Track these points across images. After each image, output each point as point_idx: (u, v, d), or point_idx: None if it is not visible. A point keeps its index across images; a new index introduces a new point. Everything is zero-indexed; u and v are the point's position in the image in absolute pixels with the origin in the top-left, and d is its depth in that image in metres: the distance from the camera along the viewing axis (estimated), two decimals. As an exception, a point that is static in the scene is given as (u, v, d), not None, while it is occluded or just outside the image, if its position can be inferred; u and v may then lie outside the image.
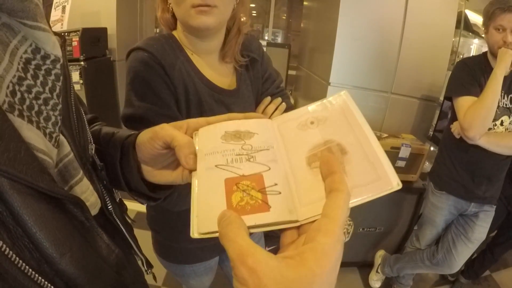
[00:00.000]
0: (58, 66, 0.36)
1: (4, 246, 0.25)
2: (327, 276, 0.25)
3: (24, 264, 0.26)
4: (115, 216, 0.46)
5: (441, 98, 2.15)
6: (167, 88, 0.73)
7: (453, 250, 1.63)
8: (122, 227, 0.47)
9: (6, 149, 0.26)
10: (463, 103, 1.40)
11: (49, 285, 0.28)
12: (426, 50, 1.93)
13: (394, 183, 0.33)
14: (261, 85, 0.93)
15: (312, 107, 0.42)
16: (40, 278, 0.27)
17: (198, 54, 0.81)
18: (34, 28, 0.32)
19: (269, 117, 0.91)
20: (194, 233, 0.32)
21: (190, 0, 0.68)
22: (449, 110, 2.19)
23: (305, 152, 0.37)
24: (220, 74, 0.85)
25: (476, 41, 3.29)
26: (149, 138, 0.43)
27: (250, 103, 0.90)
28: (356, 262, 2.16)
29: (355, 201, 0.32)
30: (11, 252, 0.25)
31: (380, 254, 2.09)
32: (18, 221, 0.27)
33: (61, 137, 0.36)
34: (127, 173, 0.48)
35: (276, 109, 0.92)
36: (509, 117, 1.42)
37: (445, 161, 1.61)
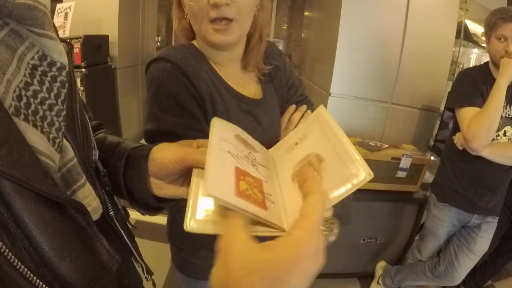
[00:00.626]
0: (63, 73, 0.37)
1: (4, 247, 0.25)
2: (292, 264, 0.27)
3: (23, 266, 0.27)
4: (116, 222, 0.46)
5: (442, 108, 2.16)
6: (194, 99, 0.69)
7: (455, 262, 1.61)
8: (123, 233, 0.48)
9: (10, 151, 0.27)
10: (466, 114, 1.38)
11: None
12: (426, 60, 1.94)
13: (366, 174, 0.35)
14: (286, 92, 0.90)
15: (296, 129, 0.49)
16: (38, 281, 0.28)
17: (220, 64, 0.77)
18: (42, 36, 0.33)
19: (295, 125, 0.88)
20: (190, 223, 0.35)
21: (207, 13, 0.65)
22: (449, 120, 2.19)
23: (291, 170, 0.42)
24: (244, 84, 0.81)
25: (476, 50, 3.30)
26: (174, 162, 0.43)
27: (276, 111, 0.87)
28: (356, 273, 2.13)
29: (335, 196, 0.36)
30: (10, 254, 0.26)
31: (381, 266, 2.07)
32: (19, 224, 0.27)
33: (65, 142, 0.36)
34: (132, 184, 0.48)
35: (302, 116, 0.88)
36: None
37: (448, 173, 1.58)
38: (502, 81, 1.30)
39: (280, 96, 0.89)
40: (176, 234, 0.96)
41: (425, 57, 1.92)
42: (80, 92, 2.36)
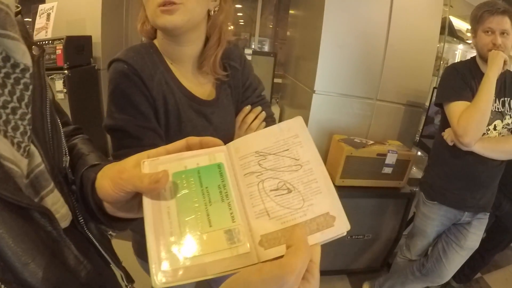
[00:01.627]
0: (27, 75, 0.36)
1: None
2: None
3: None
4: (86, 230, 0.45)
5: (427, 104, 2.17)
6: (146, 100, 0.73)
7: (443, 258, 1.59)
8: (95, 240, 0.46)
9: None
10: (456, 108, 1.35)
11: None
12: (411, 56, 1.94)
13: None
14: (242, 93, 0.92)
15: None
16: (3, 286, 0.27)
17: (177, 63, 0.80)
18: (3, 37, 0.33)
19: (249, 126, 0.90)
20: (158, 278, 0.31)
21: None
22: (435, 115, 2.21)
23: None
24: (199, 84, 0.84)
25: (461, 46, 3.33)
26: (115, 189, 0.39)
27: (230, 112, 0.89)
28: (345, 269, 2.14)
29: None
30: None
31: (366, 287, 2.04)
32: None
33: (32, 147, 0.35)
34: (88, 204, 0.45)
35: (255, 118, 0.92)
36: (502, 121, 1.39)
37: (437, 170, 1.56)
38: (492, 73, 1.28)
39: (236, 97, 0.92)
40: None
41: (409, 53, 1.93)
42: (63, 93, 2.31)
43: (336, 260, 2.05)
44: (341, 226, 0.34)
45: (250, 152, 0.40)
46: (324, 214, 0.35)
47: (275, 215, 0.35)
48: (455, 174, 1.48)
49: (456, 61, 3.01)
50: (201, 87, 0.84)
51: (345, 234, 0.34)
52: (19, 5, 0.40)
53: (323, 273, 2.06)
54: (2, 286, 0.27)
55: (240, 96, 0.92)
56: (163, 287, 0.31)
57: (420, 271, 1.68)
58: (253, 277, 0.30)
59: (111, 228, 0.49)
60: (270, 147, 0.40)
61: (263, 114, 0.93)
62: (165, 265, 0.32)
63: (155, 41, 0.81)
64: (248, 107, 0.92)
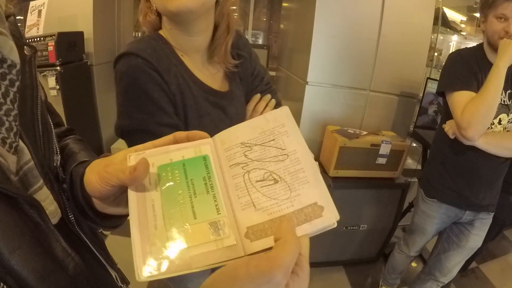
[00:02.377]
0: (14, 71, 0.36)
1: None
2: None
3: None
4: (77, 228, 0.44)
5: (421, 94, 2.17)
6: (165, 95, 0.69)
7: (443, 258, 1.55)
8: (86, 239, 0.45)
9: None
10: (460, 98, 1.23)
11: (0, 283, 0.28)
12: (404, 47, 1.94)
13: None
14: (251, 82, 0.91)
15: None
16: None
17: (187, 54, 0.77)
18: None
19: (260, 114, 0.90)
20: (142, 271, 0.31)
21: None
22: (428, 106, 2.21)
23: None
24: (211, 75, 0.82)
25: (455, 38, 3.33)
26: (102, 183, 0.39)
27: (242, 102, 0.88)
28: (341, 261, 2.15)
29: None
30: None
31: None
32: None
33: (21, 144, 0.36)
34: (78, 201, 0.45)
35: (266, 105, 0.90)
36: (508, 115, 1.28)
37: (437, 166, 1.47)
38: (502, 63, 1.17)
39: (246, 86, 0.90)
40: None
41: (402, 44, 1.92)
42: (56, 90, 2.29)
43: (332, 251, 2.06)
44: (330, 216, 0.33)
45: (235, 144, 0.40)
46: (312, 204, 0.34)
47: (261, 206, 0.35)
48: (455, 170, 1.40)
49: (450, 52, 3.02)
50: (213, 78, 0.82)
51: (335, 225, 0.33)
52: (11, 6, 0.41)
53: (319, 264, 2.08)
54: None
55: (250, 85, 0.91)
56: (147, 281, 0.30)
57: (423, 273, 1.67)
58: (240, 271, 0.29)
59: (101, 226, 0.49)
60: (255, 138, 0.40)
61: (273, 101, 0.91)
62: (149, 258, 0.31)
63: (161, 32, 0.76)
64: (258, 95, 0.90)
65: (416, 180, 2.12)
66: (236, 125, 0.42)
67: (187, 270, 0.31)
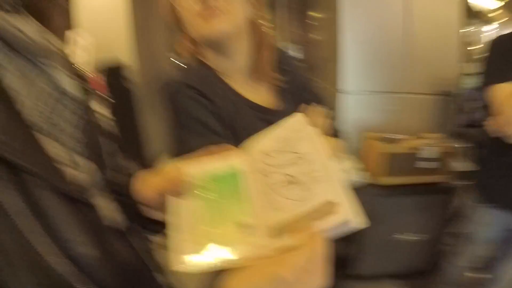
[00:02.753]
0: (76, 104, 0.45)
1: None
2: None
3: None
4: (127, 235, 0.49)
5: (458, 91, 2.07)
6: (218, 120, 0.70)
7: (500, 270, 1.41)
8: (137, 249, 0.50)
9: (36, 161, 0.36)
10: (499, 92, 1.11)
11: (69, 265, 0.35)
12: (434, 45, 1.90)
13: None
14: (301, 96, 0.89)
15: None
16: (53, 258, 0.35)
17: (231, 76, 0.78)
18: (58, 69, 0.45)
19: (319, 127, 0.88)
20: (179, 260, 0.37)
21: (193, 7, 0.66)
22: (468, 102, 2.11)
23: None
24: (258, 93, 0.81)
25: (486, 28, 3.19)
26: (144, 192, 0.48)
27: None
28: (392, 274, 2.02)
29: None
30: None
31: None
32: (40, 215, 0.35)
33: (85, 161, 0.44)
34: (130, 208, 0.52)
35: (320, 117, 0.89)
36: None
37: (492, 168, 1.32)
38: None
39: (297, 100, 0.86)
40: None
41: (431, 42, 1.88)
42: (110, 120, 2.46)
43: (384, 263, 1.96)
44: (345, 213, 0.33)
45: (257, 152, 0.46)
46: (327, 202, 0.35)
47: (278, 207, 0.38)
48: (507, 172, 1.25)
49: (481, 44, 2.89)
50: (261, 95, 0.81)
51: (359, 225, 0.33)
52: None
53: (370, 277, 1.98)
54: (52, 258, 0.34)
55: (300, 99, 0.87)
56: (181, 271, 0.35)
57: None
58: (268, 270, 0.32)
59: (147, 229, 0.56)
60: (273, 145, 0.45)
61: (325, 112, 0.91)
62: (183, 254, 0.36)
63: (201, 58, 0.79)
64: (313, 108, 0.90)
65: (465, 183, 1.99)
66: (257, 136, 0.48)
67: (215, 267, 0.35)
